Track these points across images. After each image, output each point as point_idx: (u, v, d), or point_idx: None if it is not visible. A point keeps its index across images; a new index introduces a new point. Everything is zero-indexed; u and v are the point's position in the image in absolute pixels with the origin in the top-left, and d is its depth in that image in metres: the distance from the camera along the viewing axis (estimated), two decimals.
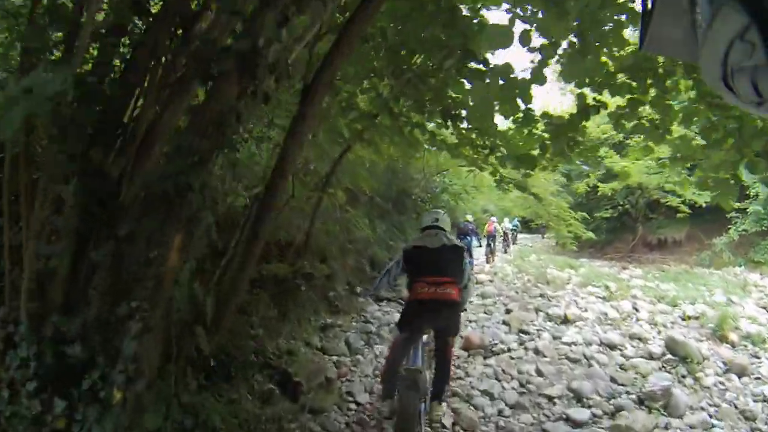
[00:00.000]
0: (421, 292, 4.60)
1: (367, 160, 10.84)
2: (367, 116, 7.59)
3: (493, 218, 22.63)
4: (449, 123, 7.01)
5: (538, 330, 10.07)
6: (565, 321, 10.66)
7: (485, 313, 11.56)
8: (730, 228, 22.36)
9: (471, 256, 15.95)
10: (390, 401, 4.79)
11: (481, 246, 20.29)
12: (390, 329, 8.63)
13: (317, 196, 8.80)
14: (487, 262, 19.59)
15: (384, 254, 11.88)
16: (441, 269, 4.71)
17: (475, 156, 8.25)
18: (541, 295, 13.09)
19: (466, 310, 6.00)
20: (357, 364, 7.69)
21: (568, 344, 9.24)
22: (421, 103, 7.01)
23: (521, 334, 9.77)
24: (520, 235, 33.32)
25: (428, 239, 4.96)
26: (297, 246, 8.43)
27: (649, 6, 0.90)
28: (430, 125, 8.40)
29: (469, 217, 19.65)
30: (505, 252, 23.81)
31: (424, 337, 5.08)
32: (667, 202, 23.28)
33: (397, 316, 5.46)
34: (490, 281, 15.26)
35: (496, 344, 8.97)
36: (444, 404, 5.29)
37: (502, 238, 23.79)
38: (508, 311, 11.43)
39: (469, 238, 17.33)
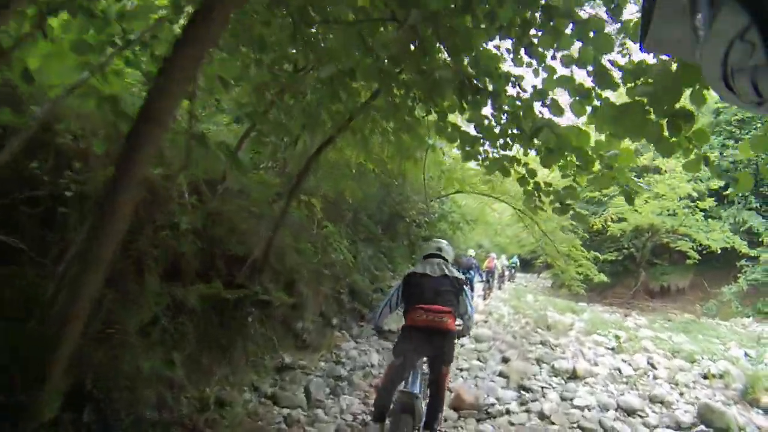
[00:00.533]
0: (417, 318, 4.61)
1: (353, 165, 9.18)
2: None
3: (492, 254, 22.37)
4: (472, 98, 4.74)
5: (542, 387, 8.38)
6: (574, 377, 8.99)
7: (479, 360, 9.95)
8: (739, 277, 21.23)
9: (472, 290, 16.09)
10: (380, 425, 4.61)
11: (482, 281, 19.77)
12: (364, 374, 7.74)
13: (285, 201, 7.17)
14: (485, 298, 18.89)
15: (366, 284, 10.20)
16: (439, 298, 4.68)
17: (497, 154, 5.61)
18: (543, 343, 11.46)
19: (468, 335, 5.54)
20: (314, 422, 5.98)
21: (580, 408, 7.57)
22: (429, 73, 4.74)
23: (522, 392, 8.09)
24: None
25: (429, 267, 4.96)
26: (253, 263, 6.68)
27: (649, 6, 0.84)
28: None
29: (471, 252, 19.83)
30: (499, 288, 22.95)
31: (424, 366, 5.07)
32: (677, 247, 21.79)
33: (374, 357, 5.88)
34: (485, 322, 13.71)
35: (493, 404, 7.32)
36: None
37: (499, 274, 23.45)
38: (505, 360, 9.85)
39: (471, 272, 17.10)
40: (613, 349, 11.38)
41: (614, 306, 22.66)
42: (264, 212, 7.18)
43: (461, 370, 9.06)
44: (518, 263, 33.10)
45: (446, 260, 5.16)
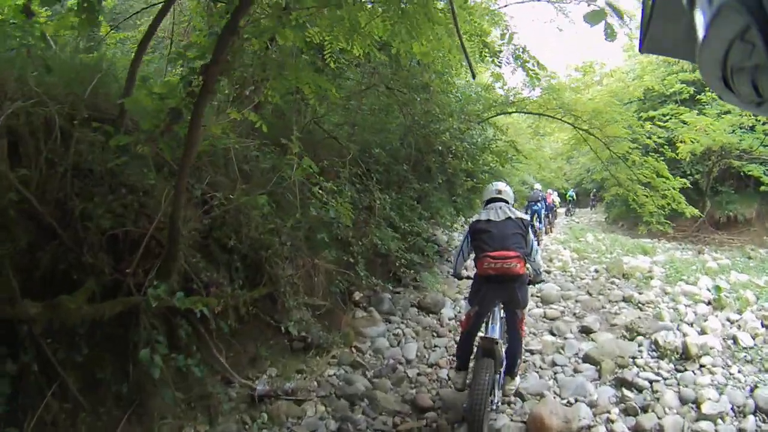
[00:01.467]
0: (486, 267, 4.64)
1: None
2: None
3: (551, 190, 22.44)
4: None
5: (650, 381, 6.06)
6: (685, 356, 6.62)
7: (552, 333, 7.75)
8: None
9: (541, 222, 16.77)
10: (463, 372, 5.04)
11: (547, 215, 19.34)
12: (396, 379, 6.00)
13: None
14: (546, 233, 18.30)
15: (394, 242, 7.65)
16: (506, 243, 4.70)
17: None
18: (626, 300, 9.27)
19: (543, 281, 5.78)
20: None
21: (712, 417, 5.24)
22: None
23: (624, 390, 5.78)
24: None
25: (493, 212, 4.99)
26: (150, 244, 4.12)
27: (649, 6, 0.89)
28: None
29: (537, 186, 19.35)
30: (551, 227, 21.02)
31: (501, 311, 5.03)
32: (749, 171, 18.98)
33: (412, 347, 6.28)
34: (547, 273, 11.42)
35: (591, 427, 5.05)
36: (517, 378, 5.41)
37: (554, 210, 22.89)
38: (586, 331, 7.72)
39: (539, 205, 17.11)
40: (711, 303, 9.01)
41: (679, 240, 20.06)
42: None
43: (532, 353, 6.89)
44: (575, 197, 32.00)
45: (507, 202, 5.17)
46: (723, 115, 18.21)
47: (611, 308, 8.85)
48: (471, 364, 4.89)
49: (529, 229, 5.02)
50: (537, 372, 6.34)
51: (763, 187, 19.26)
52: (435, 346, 7.07)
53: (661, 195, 12.94)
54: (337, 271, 6.55)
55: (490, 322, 4.90)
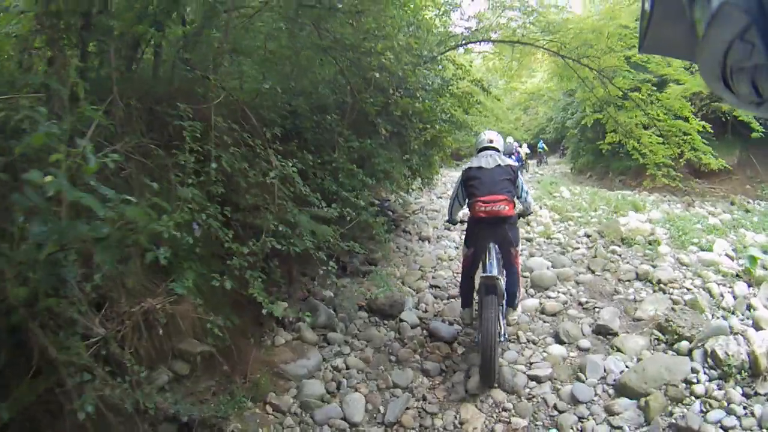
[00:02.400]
0: (478, 210, 4.99)
1: None
2: None
3: (515, 141, 22.38)
4: None
5: (724, 426, 4.04)
6: (752, 372, 4.56)
7: (560, 341, 5.64)
8: None
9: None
10: (468, 309, 5.45)
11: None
12: None
13: None
14: None
15: (323, 229, 5.23)
16: (495, 188, 5.01)
17: None
18: (642, 279, 7.22)
19: (531, 212, 5.77)
20: None
21: None
22: None
23: None
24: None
25: (484, 159, 5.27)
26: None
27: (649, 7, 0.89)
28: None
29: (510, 139, 20.01)
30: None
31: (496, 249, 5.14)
32: (739, 116, 17.00)
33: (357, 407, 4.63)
34: (528, 241, 9.41)
35: None
36: (519, 308, 5.60)
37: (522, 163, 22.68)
38: (603, 333, 5.74)
39: (513, 158, 16.76)
40: (740, 276, 7.10)
41: (659, 191, 18.28)
42: None
43: (539, 381, 4.87)
44: (546, 148, 30.61)
45: (498, 150, 5.50)
46: None
47: (626, 292, 6.79)
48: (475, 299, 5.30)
49: (518, 174, 5.30)
50: (552, 420, 4.21)
51: (755, 134, 17.26)
52: (394, 386, 4.87)
53: (676, 141, 10.70)
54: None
55: (487, 261, 5.02)
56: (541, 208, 12.48)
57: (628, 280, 7.13)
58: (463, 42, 10.69)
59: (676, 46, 0.90)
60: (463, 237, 5.77)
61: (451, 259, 8.43)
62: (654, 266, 7.51)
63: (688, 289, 6.74)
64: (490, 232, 5.09)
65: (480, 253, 5.17)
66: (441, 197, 14.19)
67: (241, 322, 4.41)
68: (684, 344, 5.14)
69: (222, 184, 3.95)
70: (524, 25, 10.73)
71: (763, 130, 16.01)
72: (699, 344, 5.02)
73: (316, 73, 6.74)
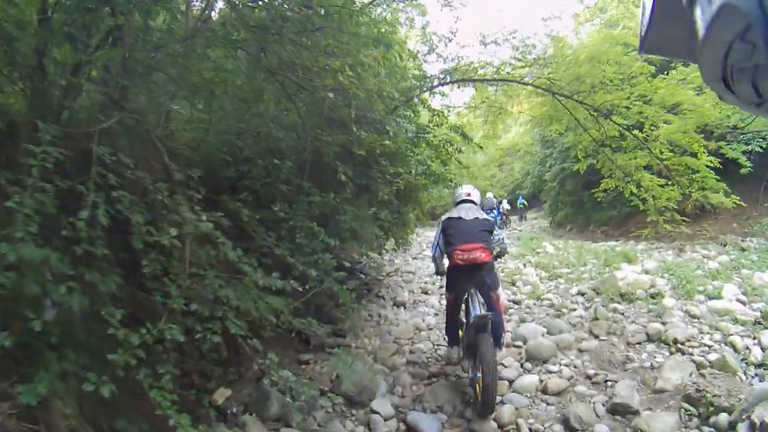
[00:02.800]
0: (457, 258, 5.25)
1: None
2: None
3: (495, 198, 22.04)
4: None
5: None
6: None
7: (570, 429, 4.59)
8: None
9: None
10: (456, 347, 5.73)
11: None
12: None
13: None
14: None
15: (273, 303, 3.96)
16: (473, 237, 5.29)
17: None
18: (653, 338, 6.32)
19: (507, 252, 6.39)
20: None
21: None
22: None
23: None
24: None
25: (463, 211, 5.56)
26: None
27: (649, 7, 0.88)
28: None
29: (490, 194, 20.41)
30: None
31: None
32: (726, 154, 16.20)
33: None
34: (515, 304, 8.42)
35: None
36: (503, 349, 5.73)
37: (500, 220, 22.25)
38: (621, 412, 4.71)
39: (493, 213, 18.01)
40: (759, 323, 6.42)
41: (650, 240, 17.50)
42: None
43: None
44: (526, 203, 30.36)
45: (475, 203, 5.82)
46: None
47: (640, 357, 5.81)
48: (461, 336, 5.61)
49: (495, 228, 5.61)
50: None
51: (743, 170, 16.57)
52: None
53: (688, 180, 9.68)
54: None
55: (471, 305, 5.25)
56: (525, 265, 11.53)
57: (639, 343, 6.15)
58: (440, 83, 9.64)
59: (676, 47, 0.88)
60: (445, 284, 5.99)
61: (431, 329, 7.37)
62: (664, 323, 6.60)
63: (708, 347, 5.90)
64: (468, 277, 5.34)
65: (460, 297, 5.55)
66: (417, 258, 13.22)
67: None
68: (723, 417, 4.20)
69: (114, 243, 2.87)
70: (509, 62, 9.85)
71: (751, 165, 15.51)
72: (743, 416, 4.01)
73: (266, 106, 5.74)
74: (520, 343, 6.39)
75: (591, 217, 21.22)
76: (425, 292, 9.39)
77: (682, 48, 0.85)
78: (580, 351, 6.04)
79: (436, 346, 6.64)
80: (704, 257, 11.92)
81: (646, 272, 9.50)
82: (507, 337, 6.06)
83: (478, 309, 5.06)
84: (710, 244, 14.23)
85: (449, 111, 10.77)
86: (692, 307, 7.15)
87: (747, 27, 0.57)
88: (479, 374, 4.71)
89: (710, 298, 7.59)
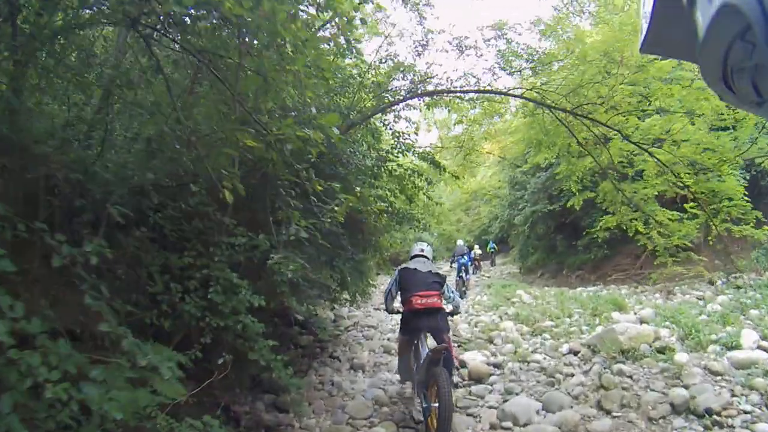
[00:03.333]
0: (415, 303, 5.60)
1: None
2: None
3: (466, 245, 20.82)
4: None
5: None
6: None
7: None
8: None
9: (467, 272, 17.70)
10: (409, 383, 6.13)
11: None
12: None
13: None
14: (461, 297, 15.02)
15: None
16: (429, 286, 5.74)
17: None
18: (679, 409, 5.03)
19: (459, 313, 6.78)
20: None
21: None
22: None
23: None
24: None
25: (419, 264, 6.04)
26: None
27: (649, 7, 0.86)
28: None
29: (460, 242, 20.13)
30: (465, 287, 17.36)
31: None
32: (700, 193, 15.02)
33: None
34: (496, 367, 7.09)
35: None
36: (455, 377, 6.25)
37: (472, 266, 21.39)
38: None
39: (465, 258, 17.36)
40: None
41: (621, 282, 16.40)
42: None
43: None
44: (496, 248, 29.43)
45: (428, 258, 6.36)
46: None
47: None
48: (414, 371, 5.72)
49: (445, 281, 6.02)
50: None
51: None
52: None
53: (711, 210, 8.04)
54: None
55: (422, 346, 5.59)
56: (502, 318, 10.15)
57: (663, 417, 4.85)
58: (407, 96, 7.91)
59: (676, 47, 0.86)
60: (398, 329, 6.32)
61: (395, 403, 5.96)
62: (686, 387, 5.28)
63: (748, 413, 4.74)
64: (425, 321, 5.60)
65: (413, 339, 5.79)
66: (379, 309, 11.72)
67: None
68: None
69: None
70: (493, 70, 8.06)
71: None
72: None
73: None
74: (509, 424, 4.97)
75: (564, 261, 20.08)
76: (388, 352, 7.95)
77: (682, 48, 0.82)
78: None
79: (400, 429, 5.23)
80: (699, 299, 10.79)
81: (643, 322, 8.28)
82: (492, 415, 5.62)
83: (426, 349, 5.42)
84: (697, 284, 13.04)
85: (416, 136, 8.98)
86: (711, 362, 5.96)
87: (747, 27, 0.55)
88: (434, 404, 4.90)
89: (728, 348, 6.50)
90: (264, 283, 4.69)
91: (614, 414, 4.93)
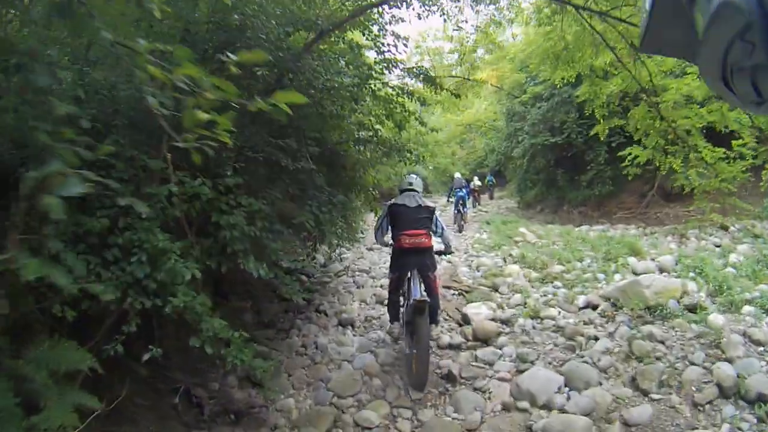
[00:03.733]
0: (403, 242, 5.57)
1: None
2: None
3: (464, 179, 19.68)
4: None
5: None
6: None
7: None
8: None
9: (465, 206, 17.00)
10: (397, 323, 6.09)
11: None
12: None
13: None
14: (460, 231, 15.75)
15: None
16: (417, 224, 5.67)
17: None
18: (732, 395, 4.14)
19: (452, 252, 7.04)
20: None
21: None
22: None
23: None
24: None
25: (408, 199, 5.87)
26: None
27: (649, 6, 0.82)
28: None
29: (457, 174, 19.18)
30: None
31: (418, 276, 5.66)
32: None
33: None
34: (504, 323, 6.31)
35: None
36: (438, 326, 6.18)
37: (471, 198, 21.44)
38: None
39: (463, 191, 17.08)
40: None
41: (628, 221, 15.63)
42: None
43: None
44: (495, 181, 28.62)
45: (417, 191, 6.06)
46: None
47: None
48: (401, 315, 5.84)
49: (435, 214, 5.92)
50: None
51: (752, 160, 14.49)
52: None
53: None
54: None
55: (413, 287, 5.50)
56: (506, 261, 9.30)
57: (710, 402, 3.97)
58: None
59: (676, 46, 0.84)
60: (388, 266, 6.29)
61: (386, 372, 5.23)
62: (729, 360, 4.47)
63: None
64: (412, 259, 5.60)
65: (403, 277, 5.77)
66: (373, 249, 11.03)
67: None
68: None
69: None
70: None
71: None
72: None
73: None
74: (525, 404, 4.16)
75: (565, 196, 19.29)
76: (381, 302, 7.14)
77: (682, 48, 0.80)
78: (628, 426, 3.80)
79: (394, 409, 4.45)
80: (716, 246, 9.93)
81: (663, 270, 7.44)
82: (505, 391, 4.89)
83: (418, 293, 5.36)
84: (708, 228, 12.11)
85: (406, 47, 7.58)
86: (750, 328, 5.12)
87: (747, 26, 0.54)
88: (415, 351, 5.05)
89: (765, 312, 5.62)
90: (213, 242, 3.78)
91: (653, 396, 4.11)
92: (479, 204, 24.08)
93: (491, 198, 28.04)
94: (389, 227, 5.93)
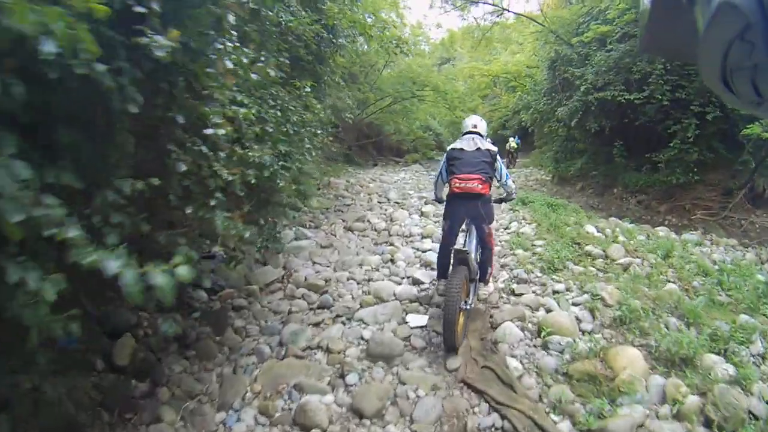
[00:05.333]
0: (454, 187, 5.31)
1: None
2: None
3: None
4: None
5: None
6: None
7: None
8: None
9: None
10: (444, 280, 5.48)
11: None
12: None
13: None
14: None
15: None
16: (472, 169, 5.29)
17: None
18: None
19: (513, 198, 6.12)
20: None
21: None
22: None
23: None
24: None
25: (466, 143, 5.53)
26: None
27: (649, 6, 0.90)
28: None
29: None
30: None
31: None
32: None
33: None
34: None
35: None
36: (490, 285, 5.97)
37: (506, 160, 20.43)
38: None
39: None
40: None
41: (716, 230, 11.67)
42: None
43: None
44: (519, 145, 25.76)
45: (481, 135, 5.67)
46: None
47: None
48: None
49: (497, 158, 5.48)
50: None
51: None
52: None
53: None
54: None
55: (467, 238, 5.52)
56: (596, 315, 5.38)
57: None
58: None
59: (676, 47, 0.89)
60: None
61: None
62: None
63: None
64: (464, 207, 5.37)
65: (455, 226, 5.49)
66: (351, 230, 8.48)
67: None
68: None
69: None
70: None
71: None
72: None
73: None
74: None
75: (618, 177, 14.80)
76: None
77: (681, 48, 0.84)
78: None
79: None
80: None
81: None
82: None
83: (473, 244, 5.39)
84: None
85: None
86: None
87: (746, 26, 0.57)
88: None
89: None
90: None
91: None
92: (513, 167, 22.80)
93: (512, 165, 24.42)
94: (447, 175, 5.50)
